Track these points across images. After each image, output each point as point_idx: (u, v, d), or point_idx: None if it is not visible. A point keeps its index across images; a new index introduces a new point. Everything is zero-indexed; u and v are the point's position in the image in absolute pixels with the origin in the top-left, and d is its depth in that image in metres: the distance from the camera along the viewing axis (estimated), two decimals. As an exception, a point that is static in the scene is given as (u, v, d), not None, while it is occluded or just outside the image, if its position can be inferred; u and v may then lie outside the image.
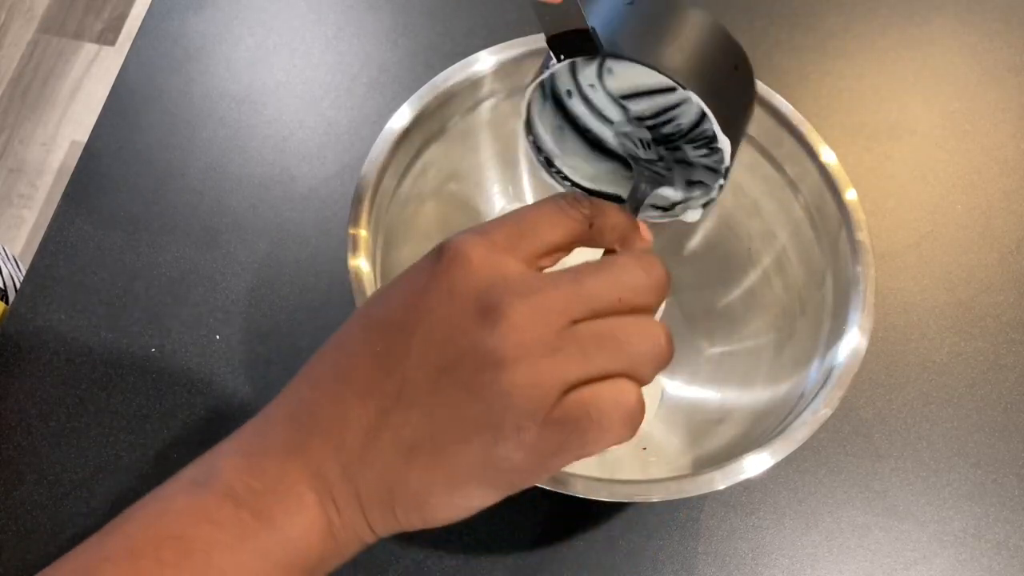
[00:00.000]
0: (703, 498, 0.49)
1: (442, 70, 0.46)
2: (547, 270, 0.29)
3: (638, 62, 0.28)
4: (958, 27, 0.67)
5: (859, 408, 0.52)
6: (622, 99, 0.31)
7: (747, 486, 0.49)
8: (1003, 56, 0.66)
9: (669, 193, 0.35)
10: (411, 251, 0.47)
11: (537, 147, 0.35)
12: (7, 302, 0.58)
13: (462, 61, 0.46)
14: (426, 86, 0.46)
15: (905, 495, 0.49)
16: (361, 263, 0.41)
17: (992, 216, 0.59)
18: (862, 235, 0.43)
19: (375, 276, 0.42)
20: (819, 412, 0.39)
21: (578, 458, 0.27)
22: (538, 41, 0.47)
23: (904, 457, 0.51)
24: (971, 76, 0.65)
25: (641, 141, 0.33)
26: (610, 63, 0.29)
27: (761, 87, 0.47)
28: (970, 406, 0.52)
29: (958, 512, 0.49)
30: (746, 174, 0.49)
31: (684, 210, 0.35)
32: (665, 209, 0.36)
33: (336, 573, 0.45)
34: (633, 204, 0.34)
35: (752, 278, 0.49)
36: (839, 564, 0.48)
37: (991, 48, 0.66)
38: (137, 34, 0.63)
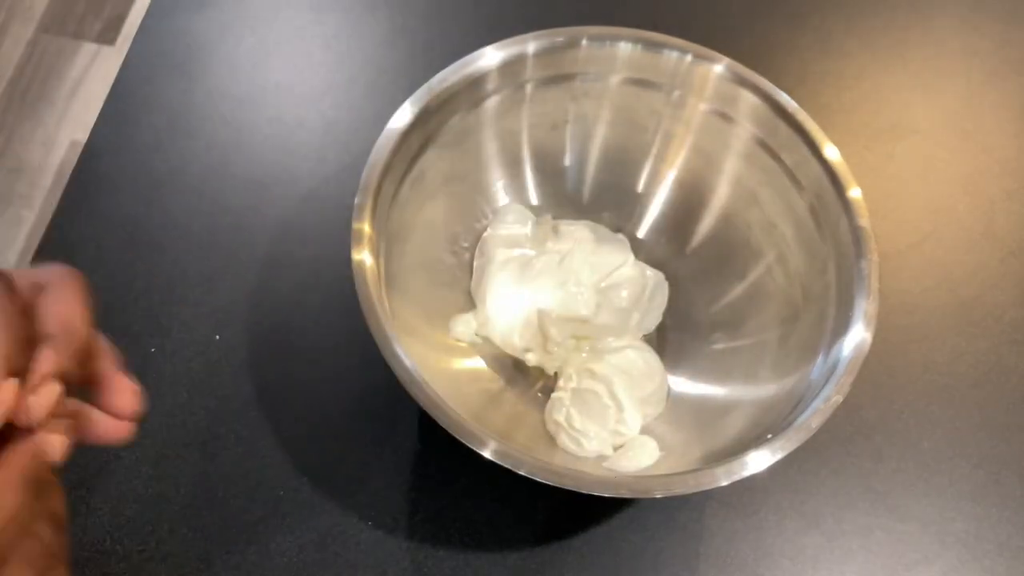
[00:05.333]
0: (704, 499, 0.49)
1: (442, 70, 0.46)
2: None
3: None
4: (959, 27, 0.67)
5: (861, 409, 0.52)
6: None
7: (749, 486, 0.49)
8: (1004, 56, 0.66)
9: None
10: (415, 250, 0.47)
11: None
12: None
13: (463, 59, 0.46)
14: (427, 85, 0.46)
15: (907, 496, 0.49)
16: (365, 257, 0.41)
17: (994, 216, 0.59)
18: (864, 221, 0.43)
19: (379, 272, 0.41)
20: (831, 399, 0.39)
21: None
22: (538, 38, 0.47)
23: (906, 458, 0.50)
24: (973, 76, 0.65)
25: None
26: None
27: (752, 75, 0.47)
28: (972, 406, 0.52)
29: (960, 513, 0.49)
30: (743, 164, 0.49)
31: None
32: None
33: (336, 573, 0.46)
34: None
35: (754, 269, 0.49)
36: (841, 565, 0.47)
37: (992, 48, 0.66)
38: (137, 34, 0.63)
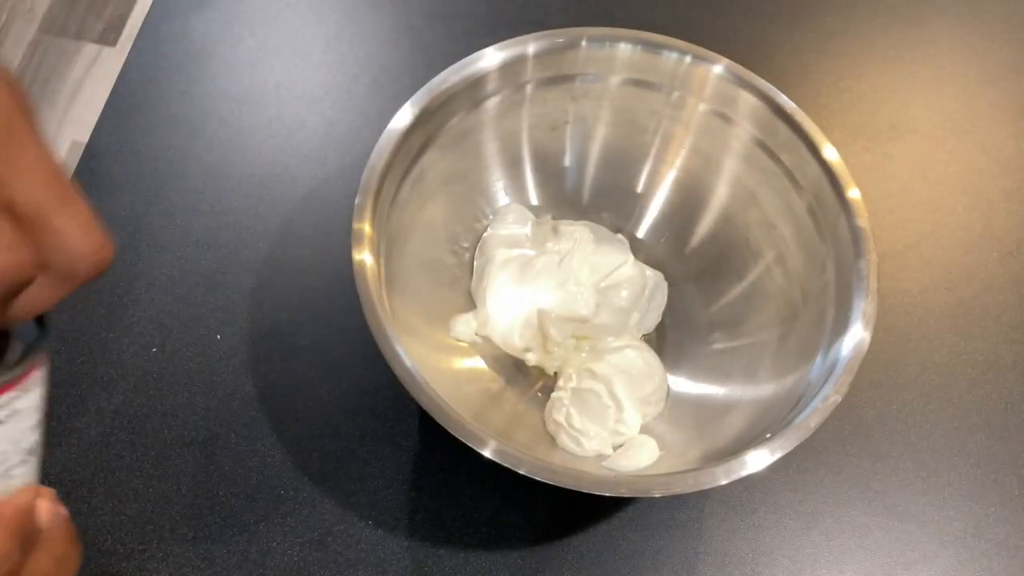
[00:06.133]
0: (703, 498, 0.49)
1: (443, 70, 0.46)
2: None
3: None
4: (958, 27, 0.67)
5: (859, 408, 0.52)
6: None
7: (748, 486, 0.49)
8: (1003, 56, 0.66)
9: None
10: (415, 250, 0.47)
11: None
12: None
13: (463, 60, 0.46)
14: (427, 85, 0.46)
15: (905, 495, 0.49)
16: (365, 257, 0.41)
17: (992, 216, 0.59)
18: (862, 221, 0.43)
19: (379, 272, 0.42)
20: (829, 399, 0.39)
21: None
22: (538, 39, 0.47)
23: (904, 457, 0.51)
24: (971, 76, 0.65)
25: None
26: None
27: (751, 76, 0.47)
28: (970, 406, 0.52)
29: (958, 512, 0.49)
30: (742, 164, 0.49)
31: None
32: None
33: (336, 573, 0.46)
34: None
35: (753, 269, 0.50)
36: (839, 564, 0.47)
37: (991, 48, 0.66)
38: (138, 34, 0.63)
